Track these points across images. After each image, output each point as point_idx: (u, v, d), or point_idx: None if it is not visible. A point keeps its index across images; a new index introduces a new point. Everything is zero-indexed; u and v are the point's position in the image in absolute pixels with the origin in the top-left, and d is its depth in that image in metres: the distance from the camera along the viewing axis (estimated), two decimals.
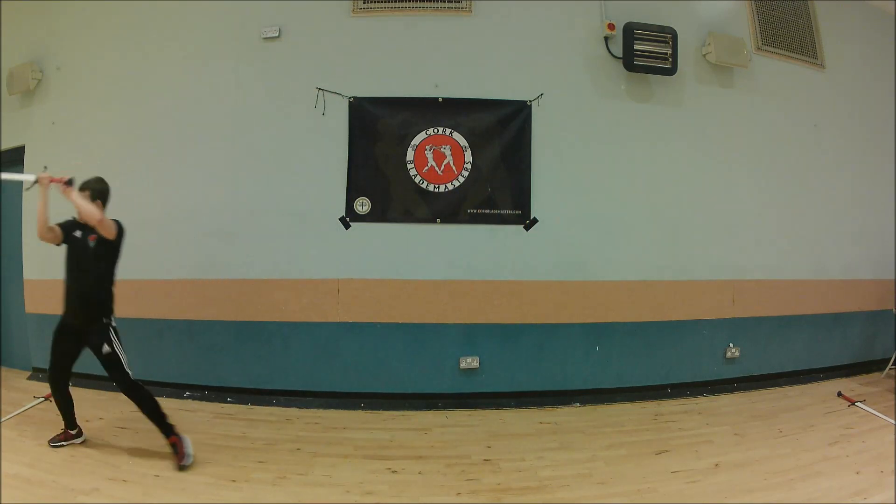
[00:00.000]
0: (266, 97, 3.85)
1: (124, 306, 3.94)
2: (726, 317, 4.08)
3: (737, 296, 4.09)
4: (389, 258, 3.78)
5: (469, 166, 3.82)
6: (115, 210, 3.96)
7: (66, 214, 2.84)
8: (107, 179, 3.98)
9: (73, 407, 2.91)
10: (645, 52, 3.78)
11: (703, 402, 3.86)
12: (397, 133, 3.81)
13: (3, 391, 3.85)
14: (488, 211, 3.83)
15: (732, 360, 4.10)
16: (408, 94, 3.81)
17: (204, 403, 3.75)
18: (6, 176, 2.87)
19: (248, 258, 3.83)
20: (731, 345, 4.09)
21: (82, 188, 2.80)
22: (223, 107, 3.88)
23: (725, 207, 4.08)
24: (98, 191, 2.85)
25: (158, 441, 3.04)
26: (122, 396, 3.80)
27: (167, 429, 2.80)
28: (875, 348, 4.54)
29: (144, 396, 2.82)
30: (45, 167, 3.05)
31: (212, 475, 2.63)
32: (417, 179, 3.81)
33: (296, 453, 2.94)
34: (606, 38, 3.90)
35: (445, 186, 3.82)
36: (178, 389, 3.86)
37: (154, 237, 3.91)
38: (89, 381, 4.01)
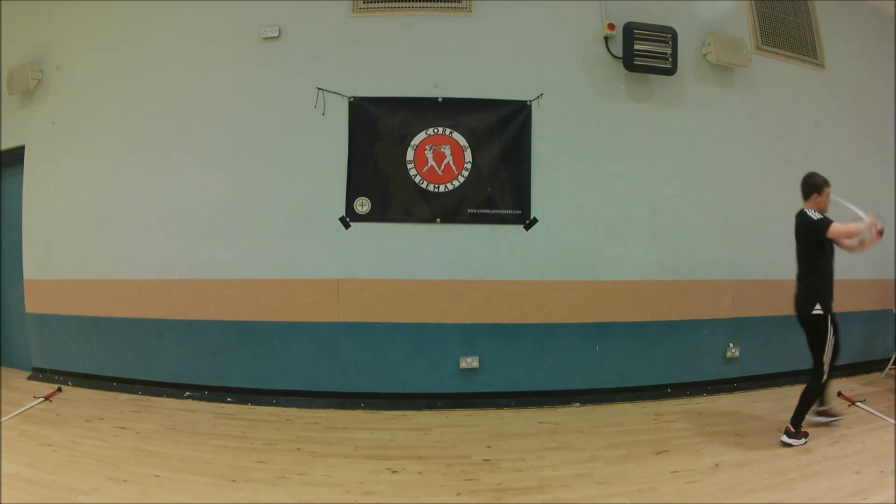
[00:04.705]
0: (266, 97, 3.85)
1: (125, 306, 3.99)
2: (726, 317, 4.08)
3: (737, 296, 4.09)
4: (389, 258, 3.78)
5: (469, 166, 3.82)
6: (115, 210, 4.02)
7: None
8: (107, 180, 4.08)
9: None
10: (645, 52, 3.78)
11: (703, 402, 3.86)
12: (397, 133, 3.81)
13: (3, 391, 3.85)
14: (488, 211, 3.83)
15: (732, 360, 4.10)
16: (408, 94, 3.80)
17: (204, 403, 3.75)
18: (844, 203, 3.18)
19: (248, 258, 3.83)
20: (731, 345, 4.09)
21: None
22: (223, 107, 3.88)
23: (725, 207, 4.08)
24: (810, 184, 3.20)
25: (159, 441, 3.06)
26: (123, 396, 3.87)
27: (796, 419, 2.99)
28: (875, 348, 4.53)
29: (813, 388, 3.04)
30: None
31: (212, 475, 2.63)
32: (417, 179, 3.81)
33: (296, 453, 2.94)
34: (606, 38, 3.90)
35: (445, 186, 3.82)
36: (178, 389, 3.86)
37: (154, 237, 3.93)
38: (90, 380, 4.04)
